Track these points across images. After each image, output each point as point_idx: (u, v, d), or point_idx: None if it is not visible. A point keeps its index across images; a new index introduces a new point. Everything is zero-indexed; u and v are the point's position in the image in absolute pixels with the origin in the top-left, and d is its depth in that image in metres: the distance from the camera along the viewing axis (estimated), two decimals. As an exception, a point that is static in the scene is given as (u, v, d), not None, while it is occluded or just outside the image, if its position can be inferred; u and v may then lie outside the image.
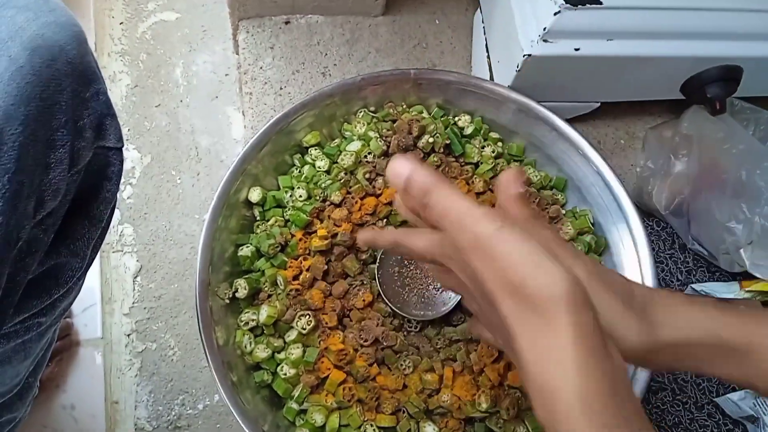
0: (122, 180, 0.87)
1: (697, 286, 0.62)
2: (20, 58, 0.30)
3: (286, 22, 0.68)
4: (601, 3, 0.56)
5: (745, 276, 0.60)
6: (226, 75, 0.95)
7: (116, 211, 0.86)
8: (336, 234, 0.54)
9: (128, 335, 0.79)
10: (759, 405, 0.52)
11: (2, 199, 0.29)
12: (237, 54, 0.72)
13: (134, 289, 0.83)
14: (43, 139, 0.31)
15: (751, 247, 0.54)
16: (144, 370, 0.77)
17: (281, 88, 0.66)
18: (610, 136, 0.72)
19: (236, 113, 0.93)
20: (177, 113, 0.92)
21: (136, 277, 0.83)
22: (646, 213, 0.66)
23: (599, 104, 0.68)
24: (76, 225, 0.37)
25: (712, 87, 0.63)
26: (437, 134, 0.58)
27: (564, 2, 0.55)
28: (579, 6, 0.56)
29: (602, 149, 0.61)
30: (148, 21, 0.97)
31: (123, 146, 0.38)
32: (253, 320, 0.53)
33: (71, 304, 0.44)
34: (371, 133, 0.58)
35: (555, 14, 0.56)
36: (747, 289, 0.58)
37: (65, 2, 0.35)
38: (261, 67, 0.66)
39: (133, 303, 0.82)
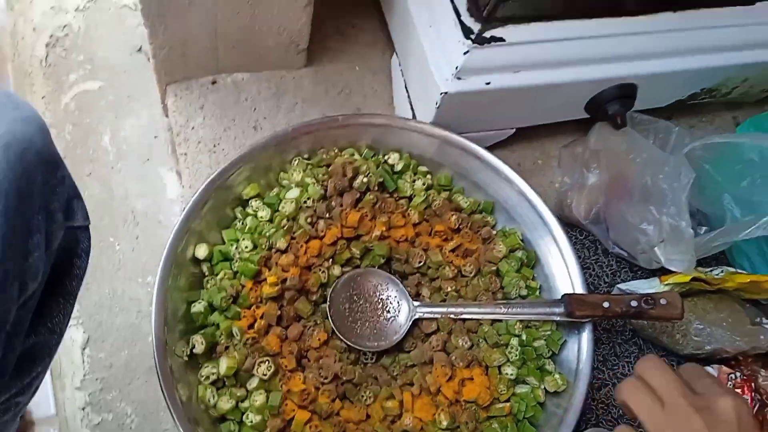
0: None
1: (622, 286, 0.67)
2: None
3: (213, 82, 0.71)
4: (504, 40, 0.61)
5: (663, 271, 0.66)
6: (155, 137, 0.96)
7: (57, 284, 0.85)
8: (285, 279, 0.56)
9: (83, 409, 0.78)
10: None
11: None
12: (167, 116, 0.74)
13: (84, 361, 0.81)
14: (21, 228, 0.33)
15: (664, 244, 0.60)
16: (103, 443, 0.76)
17: (215, 146, 0.68)
18: (528, 158, 0.78)
19: (170, 173, 0.93)
20: (109, 180, 0.92)
21: (84, 349, 0.82)
22: (569, 224, 0.71)
23: (514, 130, 0.73)
24: (52, 303, 0.39)
25: (612, 104, 0.69)
26: (370, 174, 0.61)
27: (471, 42, 0.61)
28: (485, 44, 0.61)
29: (522, 171, 0.66)
30: (71, 92, 0.98)
31: (89, 223, 0.40)
32: (213, 373, 0.54)
33: (42, 380, 0.44)
34: (308, 180, 0.61)
35: (464, 53, 0.61)
36: (666, 282, 0.63)
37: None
38: (193, 128, 0.68)
39: (84, 375, 0.81)
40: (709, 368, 0.58)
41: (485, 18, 0.62)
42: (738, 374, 0.61)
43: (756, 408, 0.59)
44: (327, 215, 0.59)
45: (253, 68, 0.71)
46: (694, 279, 0.60)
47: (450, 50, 0.62)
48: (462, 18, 0.62)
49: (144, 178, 0.93)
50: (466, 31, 0.61)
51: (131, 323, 0.84)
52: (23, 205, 0.33)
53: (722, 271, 0.63)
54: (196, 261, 0.59)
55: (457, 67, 0.61)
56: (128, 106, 0.98)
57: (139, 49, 1.02)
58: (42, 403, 0.77)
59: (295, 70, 0.73)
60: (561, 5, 0.64)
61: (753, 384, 0.61)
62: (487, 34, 0.61)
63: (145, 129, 0.97)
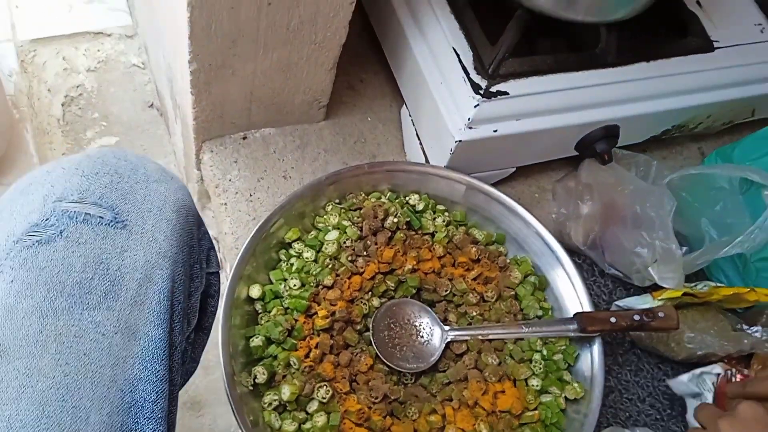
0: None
1: (619, 302, 0.76)
2: (172, 219, 0.40)
3: (244, 138, 0.78)
4: (508, 93, 0.71)
5: (653, 288, 0.75)
6: (173, 186, 1.02)
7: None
8: (334, 312, 0.63)
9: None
10: (700, 384, 0.66)
11: (167, 319, 0.38)
12: (198, 170, 0.80)
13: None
14: (188, 275, 0.41)
15: (657, 264, 0.69)
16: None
17: (251, 195, 0.75)
18: (525, 193, 0.87)
19: (189, 220, 1.00)
20: (132, 229, 0.98)
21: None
22: (569, 250, 0.80)
23: (515, 169, 0.82)
24: (197, 336, 0.46)
25: (599, 144, 0.79)
26: (399, 214, 0.69)
27: (481, 96, 0.70)
28: (492, 98, 0.70)
29: (523, 204, 0.75)
30: (89, 148, 1.04)
31: (220, 269, 0.48)
32: (275, 400, 0.60)
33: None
34: (345, 222, 0.68)
35: (475, 106, 0.70)
36: (658, 298, 0.72)
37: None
38: (230, 180, 0.75)
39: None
40: (715, 366, 0.67)
41: (490, 75, 0.71)
42: (732, 371, 0.70)
43: None
44: (365, 253, 0.67)
45: (279, 123, 0.79)
46: (684, 294, 0.69)
47: (461, 104, 0.71)
48: (470, 75, 0.71)
49: (165, 225, 0.99)
50: (475, 87, 0.71)
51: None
52: (189, 257, 0.41)
53: (705, 286, 0.72)
54: (249, 300, 0.65)
55: (469, 119, 0.70)
56: (145, 159, 1.04)
57: (151, 105, 1.09)
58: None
59: (316, 123, 0.81)
60: (552, 61, 0.74)
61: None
62: (494, 89, 0.71)
63: (163, 179, 1.03)
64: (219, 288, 0.49)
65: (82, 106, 1.06)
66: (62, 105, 1.06)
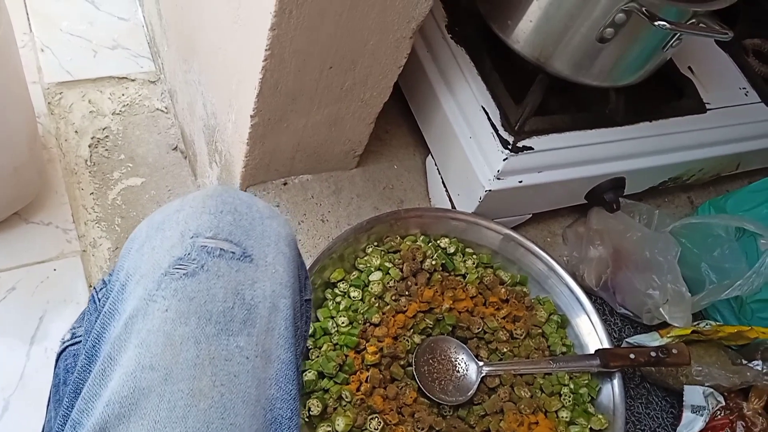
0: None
1: (630, 339, 0.83)
2: (287, 252, 0.45)
3: (284, 183, 0.84)
4: (533, 148, 0.78)
5: (660, 326, 0.82)
6: (197, 226, 1.07)
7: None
8: (381, 348, 0.69)
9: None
10: (708, 400, 0.73)
11: (293, 343, 0.43)
12: (237, 212, 0.85)
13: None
14: (300, 303, 0.45)
15: (667, 305, 0.76)
16: None
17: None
18: (538, 237, 0.94)
19: (214, 259, 1.04)
20: (160, 267, 1.01)
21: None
22: (582, 290, 0.87)
23: (531, 215, 0.90)
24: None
25: (608, 194, 0.87)
26: (435, 257, 0.75)
27: (509, 151, 0.77)
28: (519, 152, 0.78)
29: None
30: (116, 188, 1.07)
31: (312, 296, 0.53)
32: (328, 431, 0.65)
33: None
34: (387, 264, 0.74)
35: (504, 160, 0.77)
36: (666, 335, 0.79)
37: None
38: (273, 223, 0.81)
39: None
40: (720, 395, 0.74)
41: (517, 132, 0.78)
42: (722, 412, 0.77)
43: None
44: (407, 293, 0.72)
45: (316, 170, 0.85)
46: (693, 331, 0.76)
47: (490, 157, 0.78)
48: (499, 132, 0.79)
49: (191, 264, 1.03)
50: (504, 143, 0.78)
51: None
52: (300, 286, 0.46)
53: (708, 324, 0.80)
54: (300, 337, 0.70)
55: (498, 170, 0.77)
56: (170, 199, 1.08)
57: (175, 148, 1.14)
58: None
59: (348, 170, 0.88)
60: (570, 120, 0.82)
61: (737, 416, 0.77)
62: (520, 144, 0.78)
63: (187, 219, 1.07)
64: (310, 313, 0.53)
65: (109, 147, 1.10)
66: (89, 146, 1.09)
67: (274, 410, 0.42)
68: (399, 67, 0.72)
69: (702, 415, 0.73)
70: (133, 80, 1.18)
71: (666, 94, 0.92)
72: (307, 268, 0.71)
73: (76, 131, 1.11)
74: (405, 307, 0.72)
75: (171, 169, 1.12)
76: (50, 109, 1.12)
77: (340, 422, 0.64)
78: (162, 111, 1.17)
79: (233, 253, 0.43)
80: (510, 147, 0.77)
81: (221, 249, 0.43)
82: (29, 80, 1.14)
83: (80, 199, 1.05)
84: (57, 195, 1.04)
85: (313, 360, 0.69)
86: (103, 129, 1.12)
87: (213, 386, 0.39)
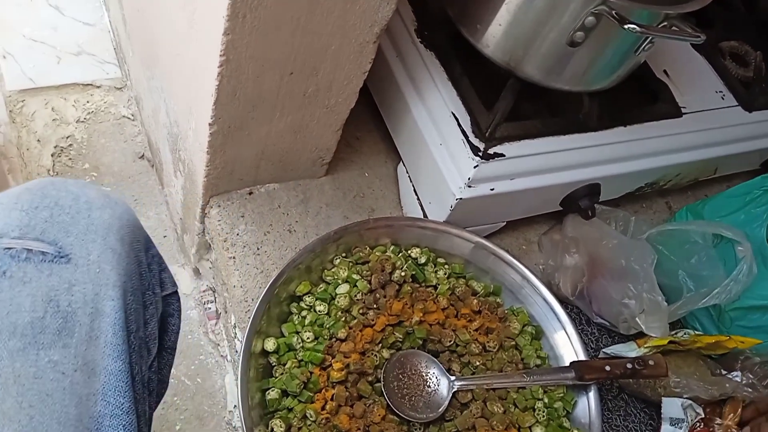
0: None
1: (607, 350, 0.81)
2: (117, 248, 0.41)
3: (250, 193, 0.81)
4: (504, 155, 0.76)
5: (637, 336, 0.80)
6: (164, 237, 1.03)
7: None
8: (348, 364, 0.66)
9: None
10: (687, 412, 0.71)
11: (125, 350, 0.39)
12: (201, 223, 0.82)
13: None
14: (141, 303, 0.41)
15: (644, 315, 0.74)
16: None
17: (258, 249, 0.78)
18: (513, 245, 0.92)
19: (182, 270, 1.01)
20: (125, 280, 0.98)
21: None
22: (559, 301, 0.85)
23: (505, 223, 0.87)
24: (161, 359, 0.46)
25: (583, 200, 0.85)
26: (405, 268, 0.73)
27: (480, 158, 0.75)
28: (490, 159, 0.75)
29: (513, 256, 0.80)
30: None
31: (177, 288, 0.48)
32: (292, 452, 0.62)
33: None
34: (354, 276, 0.72)
35: (474, 167, 0.75)
36: (644, 345, 0.77)
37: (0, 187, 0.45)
38: (237, 234, 0.78)
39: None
40: (699, 407, 0.72)
41: (487, 138, 0.76)
42: (701, 424, 0.75)
43: None
44: (375, 306, 0.70)
45: (283, 179, 0.82)
46: (670, 341, 0.74)
47: (461, 164, 0.76)
48: (470, 138, 0.76)
49: (158, 276, 1.00)
50: (474, 150, 0.76)
51: (158, 414, 0.89)
52: (141, 284, 0.42)
53: (686, 334, 0.78)
54: (263, 353, 0.67)
55: (469, 178, 0.75)
56: (136, 209, 1.05)
57: (141, 156, 1.10)
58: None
59: (317, 179, 0.85)
60: (541, 125, 0.80)
61: (714, 430, 0.75)
62: (491, 151, 0.76)
63: (154, 229, 1.04)
64: (179, 306, 0.49)
65: (73, 156, 1.07)
66: (52, 155, 1.06)
67: (102, 429, 0.38)
68: (364, 73, 0.69)
69: (681, 428, 0.71)
70: (98, 87, 1.15)
71: (641, 98, 0.90)
72: (272, 281, 0.68)
73: (38, 140, 1.08)
74: (373, 320, 0.69)
75: (138, 178, 1.08)
76: (12, 118, 1.09)
77: (304, 443, 0.62)
78: (128, 118, 1.14)
79: (44, 254, 0.39)
80: (481, 154, 0.75)
81: (28, 250, 0.38)
82: (-11, 88, 1.11)
83: (42, 211, 1.02)
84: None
85: (276, 378, 0.66)
86: (67, 137, 1.09)
87: (20, 408, 0.35)
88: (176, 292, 0.49)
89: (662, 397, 0.74)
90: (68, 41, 1.18)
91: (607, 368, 0.69)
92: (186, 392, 0.92)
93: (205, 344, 0.96)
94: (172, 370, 0.92)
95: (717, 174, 1.01)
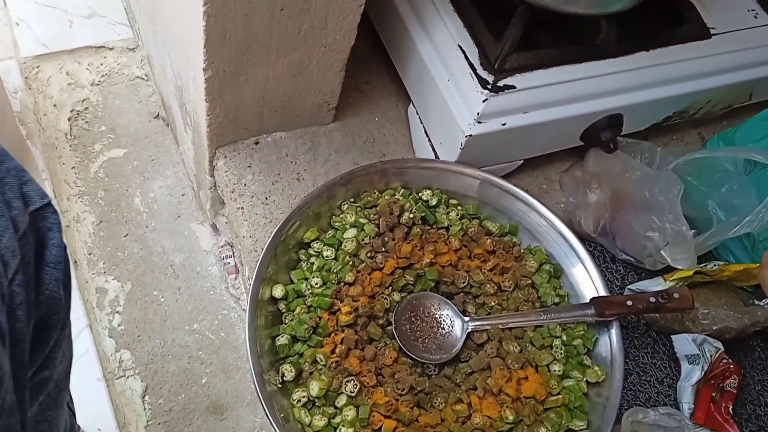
0: (109, 309, 0.92)
1: (632, 286, 0.77)
2: None
3: (256, 143, 0.79)
4: (515, 87, 0.72)
5: (664, 270, 0.77)
6: (183, 195, 1.04)
7: (111, 340, 0.91)
8: (357, 308, 0.65)
9: (151, 453, 0.83)
10: (702, 347, 0.68)
11: None
12: (212, 176, 0.81)
13: (145, 409, 0.87)
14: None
15: (669, 247, 0.71)
16: (175, 483, 0.82)
17: (266, 198, 0.77)
18: (533, 184, 0.88)
19: (201, 227, 1.01)
20: (146, 238, 0.99)
21: (144, 397, 0.88)
22: (580, 238, 0.81)
23: (523, 161, 0.84)
24: (42, 274, 0.43)
25: (604, 133, 0.80)
26: (414, 210, 0.71)
27: (489, 91, 0.71)
28: (500, 92, 0.72)
29: (532, 195, 0.76)
30: (98, 161, 1.05)
31: (49, 200, 0.44)
32: (304, 396, 0.62)
33: (70, 360, 0.50)
34: (362, 220, 0.70)
35: (483, 101, 0.71)
36: (669, 279, 0.74)
37: (19, 153, 0.42)
38: (245, 184, 0.77)
39: (147, 422, 0.86)
40: (718, 341, 0.69)
41: (497, 70, 0.72)
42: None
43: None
44: (383, 249, 0.68)
45: (290, 127, 0.80)
46: (696, 273, 0.71)
47: (470, 99, 0.73)
48: (477, 71, 0.73)
49: (177, 233, 1.00)
50: (483, 83, 0.72)
51: (184, 368, 0.90)
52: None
53: (715, 265, 0.74)
54: (272, 300, 0.67)
55: (478, 113, 0.72)
56: (153, 169, 1.05)
57: (157, 116, 1.10)
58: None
59: (325, 125, 0.83)
60: (556, 54, 0.75)
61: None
62: (501, 83, 0.72)
63: (173, 188, 1.04)
64: (58, 219, 0.46)
65: (89, 119, 1.07)
66: (69, 119, 1.06)
67: None
68: (360, 6, 0.66)
69: (699, 364, 0.68)
70: (111, 49, 1.15)
71: (665, 20, 0.84)
72: (277, 228, 0.67)
73: (54, 105, 1.08)
74: (381, 263, 0.67)
75: (154, 137, 1.08)
76: (27, 84, 1.09)
77: (314, 386, 0.61)
78: (142, 78, 1.13)
79: None
80: (490, 87, 0.72)
81: None
82: (5, 56, 1.11)
83: (61, 174, 1.03)
84: (36, 172, 1.01)
85: (286, 324, 0.66)
86: (83, 101, 1.09)
87: None
88: (49, 204, 0.45)
89: (672, 336, 0.71)
90: (79, 4, 1.18)
91: (629, 303, 0.66)
92: (210, 346, 0.93)
93: (227, 299, 0.96)
94: (196, 325, 0.93)
95: (753, 99, 0.94)
